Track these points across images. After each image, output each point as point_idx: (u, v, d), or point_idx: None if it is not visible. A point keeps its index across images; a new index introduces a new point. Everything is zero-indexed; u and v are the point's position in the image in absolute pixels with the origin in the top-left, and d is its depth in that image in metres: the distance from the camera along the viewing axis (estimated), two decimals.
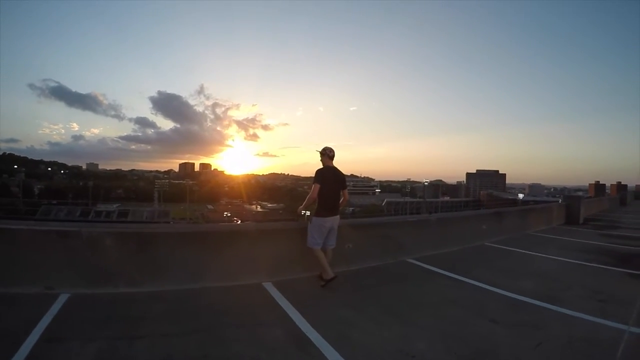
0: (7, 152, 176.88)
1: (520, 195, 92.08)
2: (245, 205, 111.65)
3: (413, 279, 6.23)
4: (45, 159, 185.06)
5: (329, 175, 5.68)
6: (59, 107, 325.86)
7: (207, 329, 4.06)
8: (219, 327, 4.12)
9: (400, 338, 3.96)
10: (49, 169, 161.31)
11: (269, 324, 4.23)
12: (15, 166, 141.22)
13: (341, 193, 5.84)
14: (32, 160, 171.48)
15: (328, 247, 5.79)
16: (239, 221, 61.74)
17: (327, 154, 5.78)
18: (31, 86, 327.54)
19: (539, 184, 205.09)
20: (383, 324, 4.30)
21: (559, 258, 8.29)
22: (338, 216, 5.82)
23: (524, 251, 8.91)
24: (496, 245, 9.43)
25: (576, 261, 8.00)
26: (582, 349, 3.84)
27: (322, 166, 5.80)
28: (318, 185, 5.54)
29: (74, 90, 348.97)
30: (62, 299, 4.60)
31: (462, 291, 5.64)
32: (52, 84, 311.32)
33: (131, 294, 4.92)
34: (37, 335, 3.68)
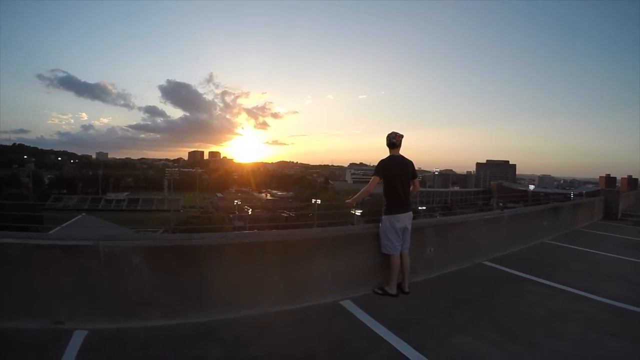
0: (17, 143, 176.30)
1: (531, 187, 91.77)
2: (254, 193, 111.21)
3: (505, 288, 5.57)
4: (55, 149, 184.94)
5: (394, 166, 4.89)
6: (68, 97, 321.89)
7: None
8: None
9: None
10: (59, 158, 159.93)
11: None
12: (25, 156, 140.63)
13: (411, 183, 5.06)
14: (41, 151, 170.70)
15: (404, 252, 4.98)
16: (250, 210, 61.34)
17: (389, 141, 4.99)
18: (40, 77, 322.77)
19: (549, 175, 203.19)
20: (511, 353, 3.55)
21: (627, 258, 7.85)
22: (411, 213, 5.03)
23: (589, 250, 8.38)
24: (557, 243, 8.92)
25: None
26: None
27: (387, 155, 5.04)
28: (377, 178, 4.86)
29: (82, 80, 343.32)
30: (77, 339, 3.30)
31: (561, 300, 5.07)
32: (61, 74, 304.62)
33: (171, 328, 3.62)
34: None
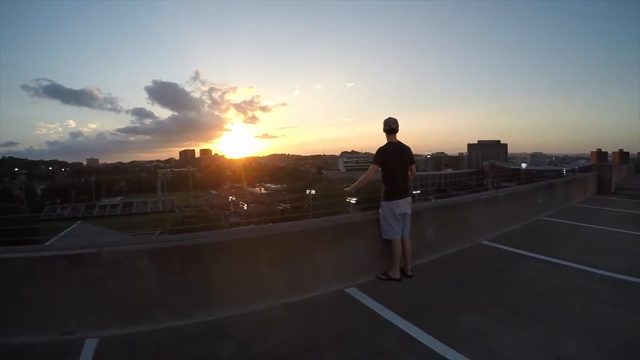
0: (7, 156, 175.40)
1: (523, 165, 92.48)
2: (248, 188, 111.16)
3: (505, 266, 5.60)
4: (45, 159, 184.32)
5: (392, 153, 4.90)
6: (55, 106, 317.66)
7: None
8: None
9: (546, 342, 3.35)
10: (50, 168, 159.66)
11: (393, 352, 3.23)
12: (16, 169, 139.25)
13: (409, 169, 5.08)
14: (31, 162, 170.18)
15: (405, 236, 5.01)
16: (245, 205, 61.34)
17: (388, 127, 4.98)
18: (25, 87, 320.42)
19: (541, 152, 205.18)
20: (518, 328, 3.62)
21: (623, 231, 7.85)
22: (410, 198, 5.07)
23: (585, 225, 8.43)
24: (553, 219, 9.00)
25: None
26: None
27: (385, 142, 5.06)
28: (375, 167, 4.93)
29: (67, 87, 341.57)
30: (89, 348, 3.29)
31: (562, 276, 5.12)
32: (46, 83, 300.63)
33: (181, 328, 3.63)
34: None
